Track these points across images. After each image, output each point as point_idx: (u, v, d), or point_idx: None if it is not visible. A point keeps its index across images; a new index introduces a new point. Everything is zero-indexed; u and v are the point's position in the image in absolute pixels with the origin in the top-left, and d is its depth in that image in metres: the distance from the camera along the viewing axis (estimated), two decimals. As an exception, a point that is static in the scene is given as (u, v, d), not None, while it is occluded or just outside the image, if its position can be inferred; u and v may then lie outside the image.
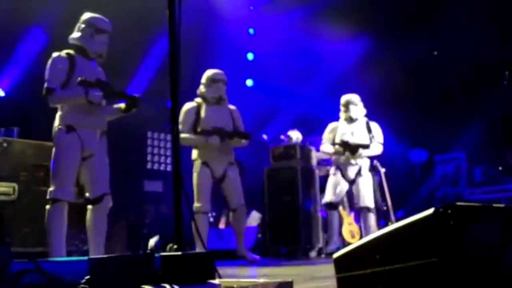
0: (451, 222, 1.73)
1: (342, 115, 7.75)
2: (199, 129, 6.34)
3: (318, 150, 8.28)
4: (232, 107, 6.74)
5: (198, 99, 6.57)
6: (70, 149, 4.82)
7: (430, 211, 1.79)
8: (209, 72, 6.61)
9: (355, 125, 7.67)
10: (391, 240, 1.94)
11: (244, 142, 6.61)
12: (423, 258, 1.79)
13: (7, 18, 7.50)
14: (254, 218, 8.74)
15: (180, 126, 6.18)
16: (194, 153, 6.45)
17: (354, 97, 7.73)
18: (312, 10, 10.75)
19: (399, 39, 10.50)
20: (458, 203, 1.77)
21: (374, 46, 10.96)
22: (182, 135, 6.17)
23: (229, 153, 6.56)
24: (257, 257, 6.62)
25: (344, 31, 10.64)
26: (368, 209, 7.54)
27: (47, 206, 4.77)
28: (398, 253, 1.89)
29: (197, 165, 6.39)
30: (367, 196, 7.59)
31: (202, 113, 6.44)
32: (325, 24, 10.49)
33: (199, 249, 6.03)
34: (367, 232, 7.43)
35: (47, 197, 4.78)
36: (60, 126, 4.86)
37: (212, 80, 6.54)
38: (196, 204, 6.25)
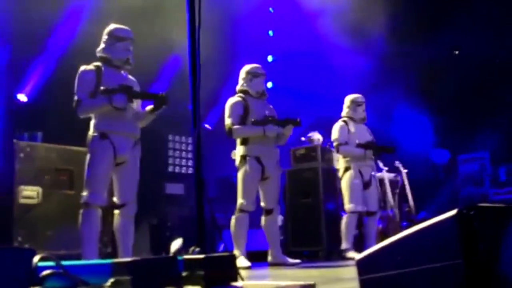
0: (474, 224, 1.72)
1: (352, 114, 7.60)
2: (252, 120, 6.18)
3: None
4: None
5: (241, 94, 6.40)
6: (103, 156, 4.91)
7: (453, 212, 1.78)
8: (248, 67, 6.47)
9: (364, 126, 7.62)
10: (414, 241, 1.93)
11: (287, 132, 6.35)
12: (447, 260, 1.78)
13: (30, 26, 7.59)
14: (276, 220, 8.72)
15: (228, 120, 6.17)
16: (243, 149, 6.23)
17: (363, 98, 7.67)
18: (331, 10, 10.73)
19: (420, 39, 10.45)
20: (482, 204, 1.76)
21: (394, 46, 10.90)
22: (235, 127, 6.12)
23: (276, 150, 6.43)
24: (297, 260, 6.48)
25: (364, 32, 10.60)
26: (375, 213, 7.51)
27: (80, 210, 4.86)
28: (421, 255, 1.87)
29: (246, 161, 6.17)
30: (376, 200, 7.56)
31: (249, 106, 6.28)
32: (345, 25, 10.45)
33: (236, 250, 6.03)
34: (372, 237, 7.39)
35: (81, 201, 4.87)
36: (93, 134, 4.97)
37: (253, 75, 6.42)
38: (240, 201, 6.12)
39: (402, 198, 9.07)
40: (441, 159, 11.45)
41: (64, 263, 2.20)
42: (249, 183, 6.16)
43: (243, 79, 6.45)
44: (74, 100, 4.96)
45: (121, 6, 7.68)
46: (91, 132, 5.01)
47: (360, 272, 2.16)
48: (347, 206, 7.32)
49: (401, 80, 10.65)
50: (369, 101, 7.84)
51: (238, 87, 6.48)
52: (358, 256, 2.23)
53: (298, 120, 6.31)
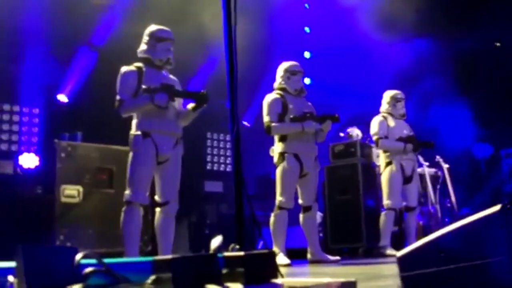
0: (519, 219, 1.69)
1: (391, 110, 7.51)
2: (290, 117, 6.16)
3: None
4: None
5: (279, 92, 6.37)
6: (145, 155, 4.95)
7: (497, 207, 1.75)
8: (286, 65, 6.44)
9: (403, 122, 7.54)
10: (456, 238, 1.90)
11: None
12: (490, 257, 1.75)
13: (69, 31, 7.71)
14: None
15: (267, 118, 6.17)
16: (281, 146, 6.20)
17: (402, 94, 7.59)
18: (367, 4, 10.65)
19: (460, 31, 10.31)
20: (526, 199, 1.72)
21: (433, 40, 10.78)
22: (273, 124, 6.11)
23: (315, 146, 6.38)
24: (336, 257, 6.43)
25: (402, 25, 10.49)
26: (415, 209, 7.44)
27: (123, 208, 4.91)
28: (464, 251, 1.85)
29: (285, 157, 6.14)
30: (416, 196, 7.50)
31: (288, 103, 6.25)
32: (381, 19, 10.37)
33: (275, 247, 6.01)
34: (412, 233, 7.31)
35: (123, 200, 4.92)
36: (136, 133, 5.00)
37: (291, 72, 6.38)
38: (279, 198, 6.10)
39: (443, 194, 8.96)
40: (484, 153, 11.27)
41: (106, 260, 2.22)
42: (288, 180, 6.14)
43: (281, 76, 6.43)
44: (116, 100, 5.01)
45: (158, 5, 7.75)
46: (133, 131, 5.04)
47: (402, 269, 2.13)
48: (386, 202, 7.27)
49: (441, 74, 10.51)
50: (409, 96, 7.76)
51: (276, 85, 6.45)
52: (399, 252, 2.20)
53: (337, 116, 6.29)
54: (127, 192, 4.91)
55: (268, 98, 6.29)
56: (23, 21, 7.71)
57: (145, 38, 5.25)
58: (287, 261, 5.84)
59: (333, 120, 6.29)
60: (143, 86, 4.91)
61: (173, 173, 5.13)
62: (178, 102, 5.27)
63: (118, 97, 5.02)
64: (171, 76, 5.36)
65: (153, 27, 5.27)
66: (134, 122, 5.08)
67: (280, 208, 6.10)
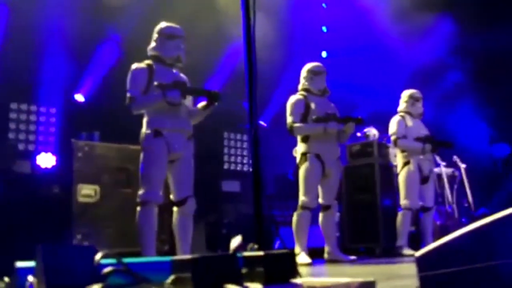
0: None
1: (410, 109, 7.49)
2: (313, 117, 6.19)
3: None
4: None
5: (303, 92, 6.41)
6: (157, 153, 4.93)
7: (515, 208, 1.74)
8: (309, 66, 6.49)
9: (420, 122, 7.51)
10: (476, 238, 1.88)
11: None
12: (509, 257, 1.73)
13: (86, 30, 7.74)
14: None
15: (290, 118, 6.20)
16: (303, 146, 6.25)
17: (420, 93, 7.56)
18: (385, 3, 10.61)
19: (478, 30, 10.23)
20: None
21: (451, 39, 10.72)
22: (296, 125, 6.15)
23: (337, 147, 6.41)
24: (353, 256, 6.45)
25: (419, 25, 10.45)
26: (431, 209, 7.41)
27: (137, 208, 4.90)
28: (482, 252, 1.83)
29: (307, 158, 6.19)
30: (433, 196, 7.49)
31: (311, 104, 6.28)
32: (399, 18, 10.32)
33: (297, 246, 6.07)
34: (428, 233, 7.29)
35: (137, 199, 4.91)
36: (147, 131, 4.99)
37: (314, 73, 6.43)
38: (302, 198, 6.14)
39: (460, 193, 8.91)
40: (501, 153, 11.19)
41: (125, 260, 2.22)
42: (311, 180, 6.17)
43: (304, 77, 6.48)
44: (127, 97, 4.98)
45: (178, 5, 7.76)
46: (144, 129, 5.03)
47: (420, 269, 2.12)
48: (403, 202, 7.26)
49: (459, 73, 10.46)
50: (426, 95, 7.72)
51: (300, 86, 6.52)
52: (418, 252, 2.19)
53: (360, 118, 6.34)
54: (141, 191, 4.90)
55: (291, 99, 6.34)
56: (40, 21, 7.76)
57: (155, 36, 5.24)
58: (308, 260, 5.86)
59: (357, 122, 6.32)
60: (155, 82, 4.89)
61: (186, 170, 5.11)
62: (189, 100, 5.27)
63: (128, 94, 4.98)
64: (181, 74, 5.35)
65: (163, 25, 5.26)
66: (145, 120, 5.06)
67: (303, 207, 6.14)
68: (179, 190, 5.08)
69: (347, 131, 6.30)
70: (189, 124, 5.20)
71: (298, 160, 6.29)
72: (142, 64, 5.12)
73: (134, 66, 5.11)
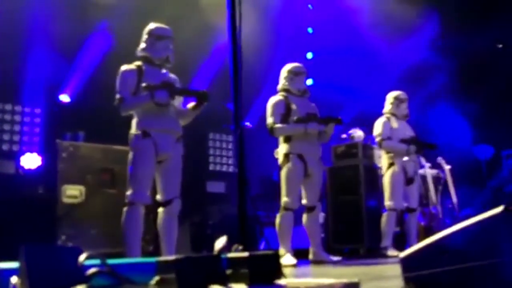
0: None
1: (395, 110, 7.53)
2: (294, 118, 6.19)
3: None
4: None
5: (283, 93, 6.41)
6: (145, 154, 4.92)
7: (499, 209, 1.75)
8: (289, 66, 6.48)
9: (405, 123, 7.55)
10: (459, 239, 1.90)
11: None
12: (492, 258, 1.74)
13: (72, 31, 7.69)
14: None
15: (270, 119, 6.19)
16: (286, 147, 6.23)
17: (405, 94, 7.60)
18: (370, 5, 10.64)
19: (462, 32, 10.30)
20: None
21: (434, 41, 10.78)
22: (276, 126, 6.14)
23: (319, 147, 6.41)
24: (338, 257, 6.48)
25: (404, 27, 10.49)
26: (415, 210, 7.46)
27: (124, 209, 4.88)
28: (466, 252, 1.85)
29: (289, 158, 6.17)
30: (417, 197, 7.52)
31: (291, 105, 6.27)
32: (384, 20, 10.36)
33: (281, 248, 6.06)
34: (412, 234, 7.33)
35: (125, 200, 4.89)
36: (136, 132, 4.98)
37: (294, 73, 6.42)
38: (284, 199, 6.13)
39: (444, 195, 8.96)
40: (485, 154, 11.26)
41: (109, 261, 2.21)
42: (293, 181, 6.17)
43: (285, 78, 6.46)
44: (116, 98, 4.98)
45: (162, 5, 7.74)
46: (133, 130, 5.02)
47: (405, 270, 2.14)
48: (387, 203, 7.28)
49: (443, 75, 10.51)
50: (411, 96, 7.76)
51: (279, 86, 6.50)
52: (402, 253, 2.20)
53: (340, 118, 6.34)
54: (129, 192, 4.88)
55: (272, 100, 6.33)
56: (25, 21, 7.71)
57: (144, 37, 5.23)
58: (294, 261, 5.86)
59: (336, 122, 6.32)
60: (143, 84, 4.89)
61: (173, 171, 5.10)
62: (178, 101, 5.27)
63: (118, 95, 4.98)
64: (171, 75, 5.34)
65: (152, 25, 5.25)
66: (134, 121, 5.05)
67: (285, 209, 6.13)
68: (166, 191, 5.07)
69: (328, 132, 6.32)
70: (178, 125, 5.20)
71: (280, 161, 6.27)
72: (132, 66, 5.12)
73: (124, 67, 5.10)
